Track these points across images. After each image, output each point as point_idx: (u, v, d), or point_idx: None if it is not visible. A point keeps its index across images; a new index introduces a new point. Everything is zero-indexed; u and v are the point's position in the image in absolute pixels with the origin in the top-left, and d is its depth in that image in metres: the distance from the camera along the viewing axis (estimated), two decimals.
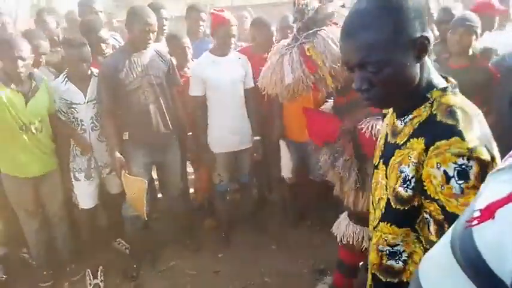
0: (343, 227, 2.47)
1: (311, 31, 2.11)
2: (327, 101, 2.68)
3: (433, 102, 1.10)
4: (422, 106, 1.11)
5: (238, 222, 3.70)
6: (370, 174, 2.28)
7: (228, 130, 3.22)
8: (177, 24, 4.81)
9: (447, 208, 1.06)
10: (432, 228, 1.15)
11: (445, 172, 1.02)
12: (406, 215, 1.18)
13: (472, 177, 0.99)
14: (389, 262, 1.26)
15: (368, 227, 2.20)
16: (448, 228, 1.10)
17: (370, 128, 2.16)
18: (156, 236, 3.50)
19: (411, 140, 1.12)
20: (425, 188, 1.10)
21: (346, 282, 2.65)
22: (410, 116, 1.14)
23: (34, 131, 2.78)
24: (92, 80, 2.96)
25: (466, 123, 1.02)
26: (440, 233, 1.12)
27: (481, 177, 0.98)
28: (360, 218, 2.39)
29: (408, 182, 1.15)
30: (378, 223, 1.26)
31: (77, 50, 2.82)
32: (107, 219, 3.54)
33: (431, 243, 1.18)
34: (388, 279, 1.28)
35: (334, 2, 2.24)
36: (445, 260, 0.67)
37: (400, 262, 1.24)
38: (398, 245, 1.23)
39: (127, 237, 3.34)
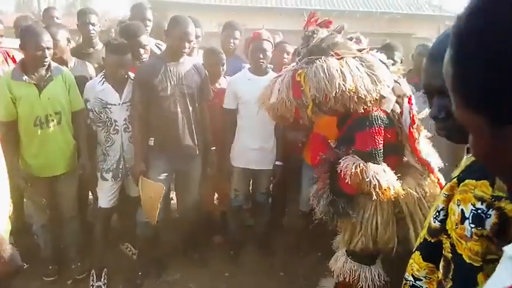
0: (340, 264, 2.44)
1: (313, 58, 2.15)
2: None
3: None
4: None
5: (248, 242, 3.65)
6: (348, 210, 2.25)
7: (251, 147, 3.24)
8: (211, 40, 4.87)
9: (456, 248, 1.03)
10: (441, 263, 1.13)
11: (462, 211, 1.00)
12: (433, 248, 1.15)
13: (487, 226, 0.96)
14: None
15: (367, 264, 2.15)
16: (454, 268, 1.08)
17: (344, 166, 2.15)
18: (165, 246, 3.47)
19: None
20: (447, 222, 1.08)
21: None
22: None
23: (51, 125, 2.82)
24: (128, 83, 3.01)
25: None
26: (445, 271, 1.09)
27: (499, 230, 0.94)
28: (358, 255, 2.36)
29: (437, 214, 1.14)
30: (415, 250, 1.23)
31: (119, 57, 2.88)
32: (120, 222, 3.54)
33: (439, 284, 1.15)
34: None
35: (342, 34, 2.27)
36: None
37: None
38: (421, 280, 1.20)
39: (137, 242, 3.32)
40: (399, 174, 2.22)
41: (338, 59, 2.13)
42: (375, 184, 2.09)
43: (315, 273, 3.32)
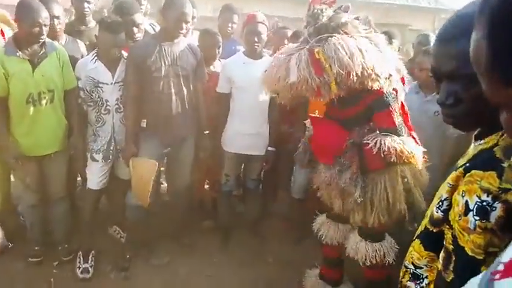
0: (362, 251, 2.42)
1: (323, 36, 2.10)
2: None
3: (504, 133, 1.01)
4: (495, 134, 1.02)
5: (238, 228, 3.62)
6: (373, 190, 2.26)
7: (243, 132, 3.19)
8: (205, 24, 4.79)
9: (458, 240, 1.01)
10: (441, 254, 1.11)
11: (466, 203, 0.97)
12: (435, 238, 1.13)
13: (491, 219, 0.93)
14: (409, 283, 1.22)
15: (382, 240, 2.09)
16: (456, 260, 1.06)
17: (377, 144, 2.15)
18: (154, 229, 3.42)
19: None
20: (450, 212, 1.06)
21: None
22: (481, 141, 1.06)
23: (43, 103, 2.74)
24: (121, 62, 2.93)
25: None
26: (445, 262, 1.07)
27: (505, 223, 0.91)
28: (374, 235, 2.38)
29: (441, 203, 1.11)
30: (415, 239, 1.21)
31: (112, 36, 2.79)
32: (109, 205, 3.48)
33: (438, 274, 1.13)
34: None
35: (349, 13, 2.23)
36: None
37: (418, 287, 1.19)
38: (422, 268, 1.19)
39: (125, 225, 3.27)
40: None
41: (350, 38, 2.12)
42: (414, 156, 2.15)
43: (304, 261, 3.31)
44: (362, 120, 2.28)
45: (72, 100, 2.94)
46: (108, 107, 2.93)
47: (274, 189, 3.95)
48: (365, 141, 2.20)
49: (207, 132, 3.21)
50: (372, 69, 2.03)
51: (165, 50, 2.86)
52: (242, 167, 3.54)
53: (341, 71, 2.00)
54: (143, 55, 2.83)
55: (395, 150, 2.11)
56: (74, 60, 2.97)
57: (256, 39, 3.10)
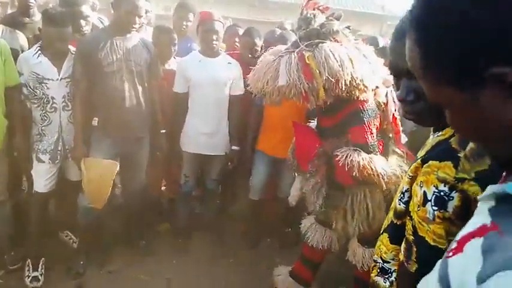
0: (359, 255, 2.42)
1: (314, 41, 2.09)
2: (309, 122, 2.68)
3: None
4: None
5: (196, 229, 3.53)
6: (340, 202, 2.27)
7: (203, 131, 3.11)
8: (157, 23, 4.70)
9: (418, 230, 1.03)
10: (402, 245, 1.12)
11: (424, 193, 0.99)
12: (400, 230, 1.14)
13: (449, 209, 0.95)
14: (376, 278, 1.22)
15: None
16: (417, 250, 1.07)
17: (345, 157, 2.16)
18: (108, 233, 3.28)
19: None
20: (410, 203, 1.07)
21: None
22: (439, 133, 1.08)
23: None
24: (67, 57, 2.76)
25: (474, 154, 0.95)
26: (407, 253, 1.08)
27: (462, 212, 0.93)
28: (371, 241, 2.35)
29: (402, 195, 1.12)
30: (382, 232, 1.21)
31: (58, 29, 2.61)
32: (58, 208, 3.30)
33: (401, 265, 1.13)
34: None
35: (340, 21, 2.25)
36: (433, 284, 0.65)
37: (387, 282, 1.20)
38: (390, 262, 1.19)
39: (77, 230, 3.10)
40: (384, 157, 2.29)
41: (340, 46, 2.11)
42: (383, 175, 2.12)
43: (264, 260, 3.29)
44: (339, 132, 2.27)
45: (15, 98, 2.72)
46: (54, 105, 2.75)
47: (234, 189, 3.90)
48: (335, 153, 2.20)
49: (163, 131, 3.11)
50: (360, 80, 2.03)
51: (116, 44, 2.73)
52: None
53: (330, 78, 2.00)
54: (93, 49, 2.68)
55: (359, 165, 2.11)
56: (13, 54, 2.73)
57: (214, 37, 3.04)
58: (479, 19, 0.54)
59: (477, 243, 0.56)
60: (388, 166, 2.19)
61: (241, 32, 3.71)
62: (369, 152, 2.19)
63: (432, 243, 1.00)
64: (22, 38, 2.95)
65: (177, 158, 3.30)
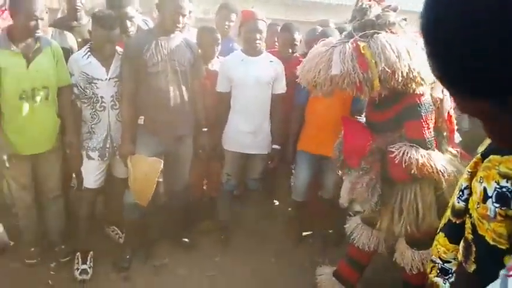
0: (408, 258, 2.37)
1: (369, 32, 2.04)
2: (357, 118, 2.62)
3: None
4: None
5: (238, 228, 3.55)
6: (394, 199, 2.20)
7: (245, 130, 3.13)
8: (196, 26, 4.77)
9: (477, 229, 0.96)
10: (461, 244, 1.05)
11: (484, 190, 0.93)
12: (458, 230, 1.08)
13: None
14: (436, 279, 1.16)
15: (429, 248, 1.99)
16: (476, 250, 1.01)
17: (401, 153, 2.09)
18: (153, 229, 3.36)
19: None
20: (469, 201, 1.01)
21: None
22: None
23: (38, 99, 2.66)
24: (115, 58, 2.86)
25: None
26: (466, 252, 1.02)
27: None
28: (420, 243, 2.30)
29: (461, 193, 1.06)
30: (438, 232, 1.16)
31: (107, 32, 2.73)
32: (105, 204, 3.41)
33: (459, 265, 1.07)
34: None
35: (397, 13, 2.18)
36: None
37: (447, 283, 1.14)
38: (450, 262, 1.13)
39: (123, 226, 3.20)
40: None
41: (396, 37, 2.06)
42: (443, 172, 2.07)
43: (306, 260, 3.26)
44: (392, 126, 2.21)
45: (67, 97, 2.86)
46: (103, 104, 2.86)
47: (273, 188, 3.90)
48: (390, 149, 2.14)
49: (206, 129, 3.15)
50: (417, 72, 1.98)
51: (161, 44, 2.80)
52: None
53: (387, 69, 1.95)
54: (139, 50, 2.76)
55: (417, 162, 2.04)
56: (64, 53, 2.87)
57: (257, 37, 3.05)
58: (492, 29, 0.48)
59: None
60: (447, 162, 2.11)
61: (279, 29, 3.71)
62: (426, 148, 2.11)
63: (492, 243, 0.95)
64: (71, 39, 3.09)
65: (219, 156, 3.33)
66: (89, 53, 2.82)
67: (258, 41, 3.07)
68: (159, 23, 2.88)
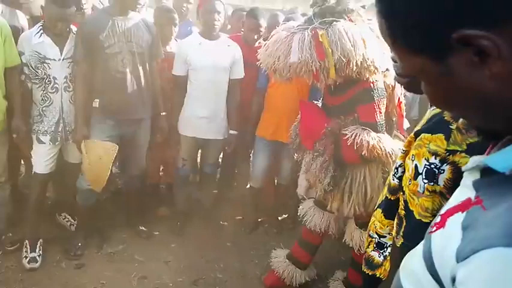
0: (357, 237, 2.44)
1: (328, 19, 2.08)
2: (313, 102, 2.68)
3: None
4: None
5: (194, 214, 3.54)
6: (345, 181, 2.29)
7: (201, 115, 3.10)
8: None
9: (409, 204, 1.02)
10: (394, 221, 1.12)
11: (415, 167, 0.99)
12: (393, 206, 1.14)
13: (440, 182, 0.94)
14: (372, 253, 1.23)
15: None
16: (405, 225, 1.07)
17: (354, 137, 2.17)
18: (107, 215, 3.28)
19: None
20: (402, 178, 1.06)
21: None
22: (435, 108, 1.07)
23: None
24: (70, 37, 2.73)
25: (466, 126, 0.93)
26: (398, 228, 1.08)
27: (453, 186, 0.91)
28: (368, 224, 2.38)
29: (396, 170, 1.12)
30: (376, 208, 1.22)
31: (61, 10, 2.59)
32: (56, 191, 3.28)
33: (393, 241, 1.14)
34: (364, 269, 1.25)
35: (355, 1, 2.23)
36: (419, 260, 0.63)
37: (382, 256, 1.20)
38: (386, 237, 1.19)
39: (75, 213, 3.10)
40: None
41: (354, 25, 2.11)
42: (391, 154, 2.14)
43: (261, 245, 3.31)
44: (347, 110, 2.27)
45: (14, 78, 2.70)
46: (56, 85, 2.72)
47: (232, 175, 3.91)
48: (343, 132, 2.21)
49: (164, 113, 3.10)
50: (371, 61, 2.04)
51: (118, 25, 2.71)
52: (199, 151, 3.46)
53: (342, 58, 2.00)
54: (95, 30, 2.66)
55: (368, 144, 2.12)
56: (13, 33, 2.70)
57: (216, 17, 3.01)
58: None
59: (458, 218, 0.54)
60: (395, 146, 2.21)
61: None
62: (377, 131, 2.20)
63: (417, 217, 0.99)
64: (22, 18, 2.91)
65: (175, 142, 3.28)
66: (42, 32, 2.67)
67: (216, 22, 3.03)
68: (116, 1, 2.77)
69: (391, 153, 2.15)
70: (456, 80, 0.54)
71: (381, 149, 2.13)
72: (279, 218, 3.65)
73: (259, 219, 3.61)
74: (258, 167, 3.32)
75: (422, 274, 0.60)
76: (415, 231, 1.01)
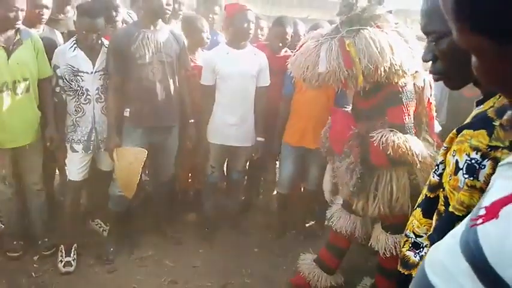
0: (382, 241, 2.45)
1: (354, 28, 2.12)
2: (344, 107, 2.70)
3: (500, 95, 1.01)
4: (493, 98, 1.02)
5: (222, 220, 3.59)
6: (378, 181, 2.30)
7: (230, 122, 3.16)
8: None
9: (449, 200, 1.01)
10: (434, 217, 1.10)
11: (456, 162, 0.97)
12: (432, 204, 1.12)
13: (480, 178, 0.93)
14: (408, 252, 1.21)
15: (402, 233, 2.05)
16: (439, 219, 1.06)
17: (380, 137, 2.18)
18: (137, 221, 3.37)
19: None
20: (443, 175, 1.05)
21: (389, 285, 2.61)
22: (480, 106, 1.06)
23: (19, 92, 2.65)
24: (101, 51, 2.85)
25: (511, 125, 0.91)
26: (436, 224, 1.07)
27: None
28: (395, 227, 2.38)
29: (437, 167, 1.11)
30: (415, 208, 1.21)
31: (91, 20, 2.70)
32: (89, 198, 3.39)
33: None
34: (399, 269, 1.23)
35: (382, 6, 2.25)
36: (452, 251, 0.62)
37: (417, 256, 1.19)
38: (422, 237, 1.18)
39: (107, 219, 3.21)
40: None
41: (381, 32, 2.14)
42: (418, 154, 2.15)
43: (289, 251, 3.32)
44: (376, 113, 2.30)
45: (47, 90, 2.84)
46: (88, 97, 2.84)
47: (259, 181, 3.94)
48: (371, 134, 2.23)
49: (192, 121, 3.17)
50: (399, 66, 2.06)
51: (148, 37, 2.80)
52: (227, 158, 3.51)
53: (370, 65, 2.04)
54: (126, 42, 2.76)
55: (394, 143, 2.13)
56: (51, 48, 2.86)
57: (251, 27, 3.08)
58: None
59: None
60: (423, 148, 2.21)
61: (262, 23, 3.74)
62: (405, 133, 2.21)
63: (450, 209, 0.98)
64: (60, 37, 3.09)
65: (204, 149, 3.35)
66: (75, 46, 2.79)
67: (250, 31, 3.10)
68: (145, 13, 2.87)
69: (417, 154, 2.15)
70: (510, 63, 0.57)
71: (407, 148, 2.14)
72: (307, 224, 3.66)
73: (286, 226, 3.62)
74: (285, 173, 3.34)
75: (455, 265, 0.60)
76: (445, 223, 1.00)
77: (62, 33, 3.16)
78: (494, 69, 0.61)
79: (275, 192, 3.65)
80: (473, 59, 0.63)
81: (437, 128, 2.51)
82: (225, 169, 3.66)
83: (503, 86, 0.63)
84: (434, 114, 2.45)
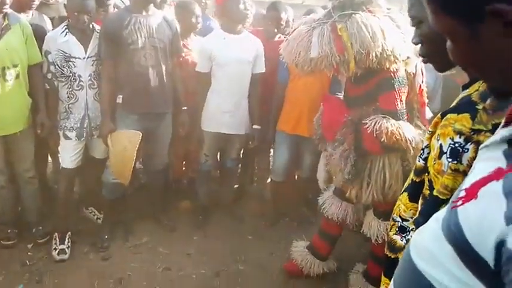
0: (374, 228, 2.46)
1: (347, 12, 2.09)
2: (337, 94, 2.69)
3: None
4: (478, 82, 1.02)
5: (215, 207, 3.60)
6: (371, 168, 2.30)
7: (223, 110, 3.13)
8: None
9: (433, 184, 1.01)
10: (419, 201, 1.11)
11: (440, 146, 0.98)
12: (418, 188, 1.14)
13: (464, 161, 0.94)
14: (394, 236, 1.23)
15: None
16: (424, 203, 1.07)
17: (374, 124, 2.18)
18: (131, 209, 3.37)
19: None
20: (428, 159, 1.06)
21: (381, 271, 2.63)
22: (466, 90, 1.07)
23: (9, 78, 2.60)
24: (93, 36, 2.81)
25: (493, 107, 0.92)
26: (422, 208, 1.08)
27: None
28: (387, 214, 2.39)
29: (422, 152, 1.13)
30: (402, 192, 1.23)
31: (81, 1, 2.65)
32: (82, 185, 3.38)
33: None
34: (386, 253, 1.25)
35: None
36: (435, 235, 0.64)
37: (404, 240, 1.20)
38: (408, 220, 1.19)
39: (101, 207, 3.20)
40: None
41: (373, 16, 2.12)
42: (411, 141, 2.16)
43: (282, 238, 3.34)
44: (368, 99, 2.29)
45: (38, 76, 2.79)
46: (81, 83, 2.80)
47: (253, 169, 3.94)
48: (364, 121, 2.23)
49: (185, 108, 3.14)
50: (391, 51, 2.05)
51: (140, 22, 2.76)
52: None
53: (361, 50, 2.03)
54: (118, 27, 2.72)
55: (387, 130, 2.13)
56: (42, 34, 2.82)
57: (247, 7, 3.02)
58: None
59: (495, 186, 0.56)
60: (416, 134, 2.21)
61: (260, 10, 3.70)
62: (397, 119, 2.21)
63: (435, 193, 0.99)
64: (48, 23, 3.03)
65: (197, 137, 3.34)
66: (67, 30, 2.75)
67: (247, 12, 3.05)
68: None
69: (410, 140, 2.15)
70: (482, 44, 0.61)
71: (400, 134, 2.14)
72: (300, 211, 3.67)
73: (280, 213, 3.63)
74: (279, 160, 3.34)
75: (439, 248, 0.62)
76: (430, 207, 1.01)
77: (53, 18, 3.10)
78: (467, 51, 0.64)
79: (269, 180, 3.65)
80: (448, 42, 0.67)
81: (429, 114, 2.51)
82: (218, 157, 3.65)
83: (477, 68, 0.67)
84: (426, 100, 2.45)
